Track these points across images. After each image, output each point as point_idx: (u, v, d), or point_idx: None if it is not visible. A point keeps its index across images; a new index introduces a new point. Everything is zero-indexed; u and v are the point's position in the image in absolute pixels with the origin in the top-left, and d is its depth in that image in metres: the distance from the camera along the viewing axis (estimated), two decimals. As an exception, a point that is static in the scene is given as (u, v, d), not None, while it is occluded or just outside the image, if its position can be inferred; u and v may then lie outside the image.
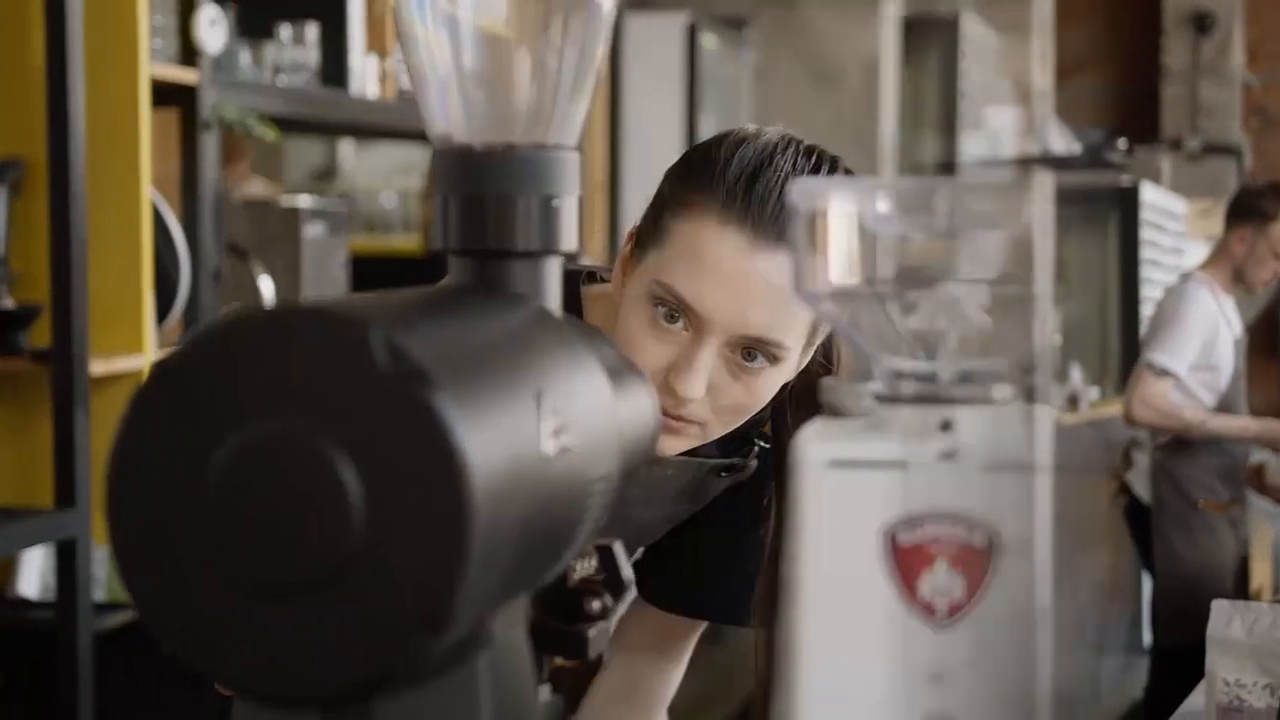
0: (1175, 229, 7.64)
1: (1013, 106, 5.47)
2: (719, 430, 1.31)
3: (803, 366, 1.35)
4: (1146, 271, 7.12)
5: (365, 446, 0.63)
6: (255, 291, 2.96)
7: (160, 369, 0.65)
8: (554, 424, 0.73)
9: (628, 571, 0.91)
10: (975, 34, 7.56)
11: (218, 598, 0.65)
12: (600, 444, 0.78)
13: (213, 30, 2.71)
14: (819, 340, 1.34)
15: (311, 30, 3.08)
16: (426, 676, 0.68)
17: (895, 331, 0.74)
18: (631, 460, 0.89)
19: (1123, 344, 7.22)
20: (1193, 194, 7.91)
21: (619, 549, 0.90)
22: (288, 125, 3.23)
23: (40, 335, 2.47)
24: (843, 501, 0.71)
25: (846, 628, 0.71)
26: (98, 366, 2.48)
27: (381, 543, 0.63)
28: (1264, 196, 4.32)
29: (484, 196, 0.82)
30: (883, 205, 0.74)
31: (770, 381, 1.29)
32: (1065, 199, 5.90)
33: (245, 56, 3.01)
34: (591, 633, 0.90)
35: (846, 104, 5.80)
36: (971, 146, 5.45)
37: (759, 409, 1.32)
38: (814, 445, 0.71)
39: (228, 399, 0.64)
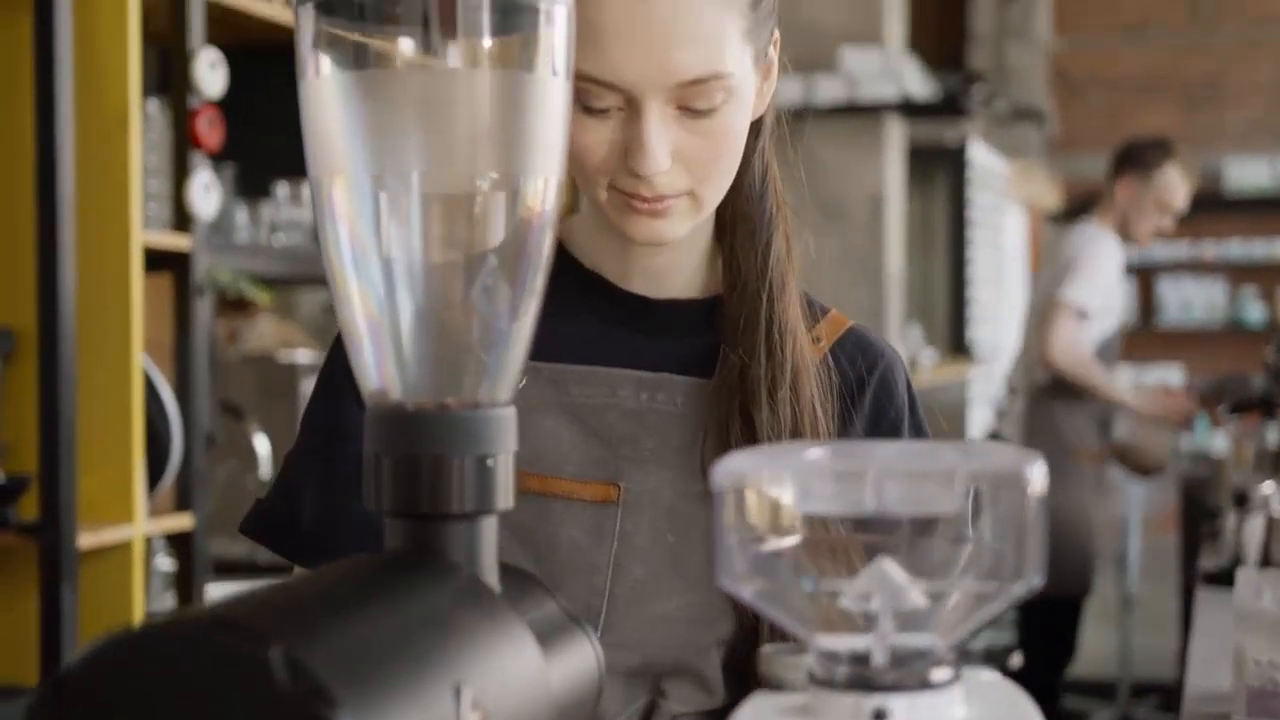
0: (998, 189, 7.79)
1: (869, 48, 5.46)
2: (713, 194, 1.18)
3: (769, 75, 1.23)
4: (970, 231, 7.21)
5: (265, 769, 0.61)
6: (250, 452, 2.95)
7: (53, 684, 0.62)
8: (476, 717, 0.71)
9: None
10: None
11: None
12: (530, 722, 0.76)
13: (207, 196, 2.72)
14: (766, 42, 1.20)
15: (309, 189, 3.09)
16: None
17: (827, 610, 0.72)
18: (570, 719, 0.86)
19: (951, 305, 7.27)
20: (998, 155, 8.06)
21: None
22: (285, 282, 3.24)
23: (28, 507, 2.45)
24: (773, 797, 0.68)
25: None
26: (87, 539, 2.46)
27: None
28: (1149, 148, 4.40)
29: (418, 457, 0.80)
30: (812, 484, 0.72)
31: (735, 117, 1.16)
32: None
33: (242, 215, 3.02)
34: None
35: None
36: (827, 89, 5.46)
37: (739, 150, 1.18)
38: (743, 736, 0.69)
39: None
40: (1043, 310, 4.29)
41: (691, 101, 1.12)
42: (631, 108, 1.12)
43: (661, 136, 1.12)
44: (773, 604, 0.73)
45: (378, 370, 0.83)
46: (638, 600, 1.20)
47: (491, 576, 0.82)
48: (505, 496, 0.82)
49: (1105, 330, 4.30)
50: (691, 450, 1.22)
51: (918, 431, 1.31)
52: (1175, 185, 4.30)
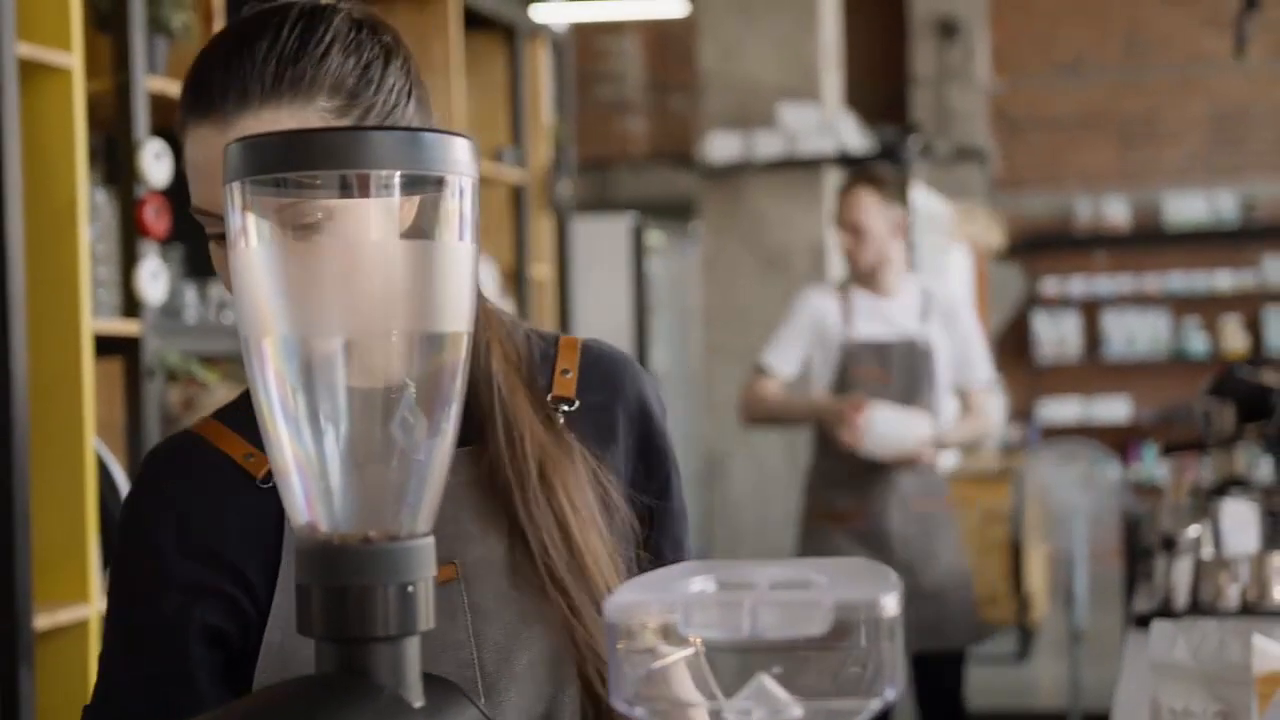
0: (942, 230, 7.91)
1: (806, 104, 5.51)
2: None
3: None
4: (915, 274, 7.30)
5: None
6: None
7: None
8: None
9: None
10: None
11: None
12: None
13: (155, 282, 2.80)
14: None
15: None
16: None
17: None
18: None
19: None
20: (941, 197, 8.19)
21: None
22: (236, 360, 3.31)
23: (-16, 592, 2.52)
24: None
25: None
26: (42, 620, 2.52)
27: None
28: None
29: (345, 588, 0.89)
30: (694, 613, 0.81)
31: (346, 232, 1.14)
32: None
33: (191, 295, 3.10)
34: None
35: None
36: (767, 145, 5.48)
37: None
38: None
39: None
40: None
41: (296, 221, 1.10)
42: None
43: None
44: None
45: (306, 506, 0.91)
46: (505, 659, 1.29)
47: (415, 692, 0.90)
48: (427, 618, 0.90)
49: (825, 389, 4.20)
50: (500, 512, 1.30)
51: (664, 438, 1.41)
52: (837, 209, 4.22)
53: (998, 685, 6.53)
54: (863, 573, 0.85)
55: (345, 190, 0.91)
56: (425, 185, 0.90)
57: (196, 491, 1.28)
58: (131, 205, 2.80)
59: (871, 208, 4.11)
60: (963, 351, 4.23)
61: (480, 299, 1.33)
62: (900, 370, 4.17)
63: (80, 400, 2.60)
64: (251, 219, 0.90)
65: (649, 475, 1.39)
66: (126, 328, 2.78)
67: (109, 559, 2.69)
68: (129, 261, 2.79)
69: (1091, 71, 10.38)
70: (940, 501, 4.25)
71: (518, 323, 1.38)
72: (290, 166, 0.89)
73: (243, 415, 1.30)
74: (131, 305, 2.80)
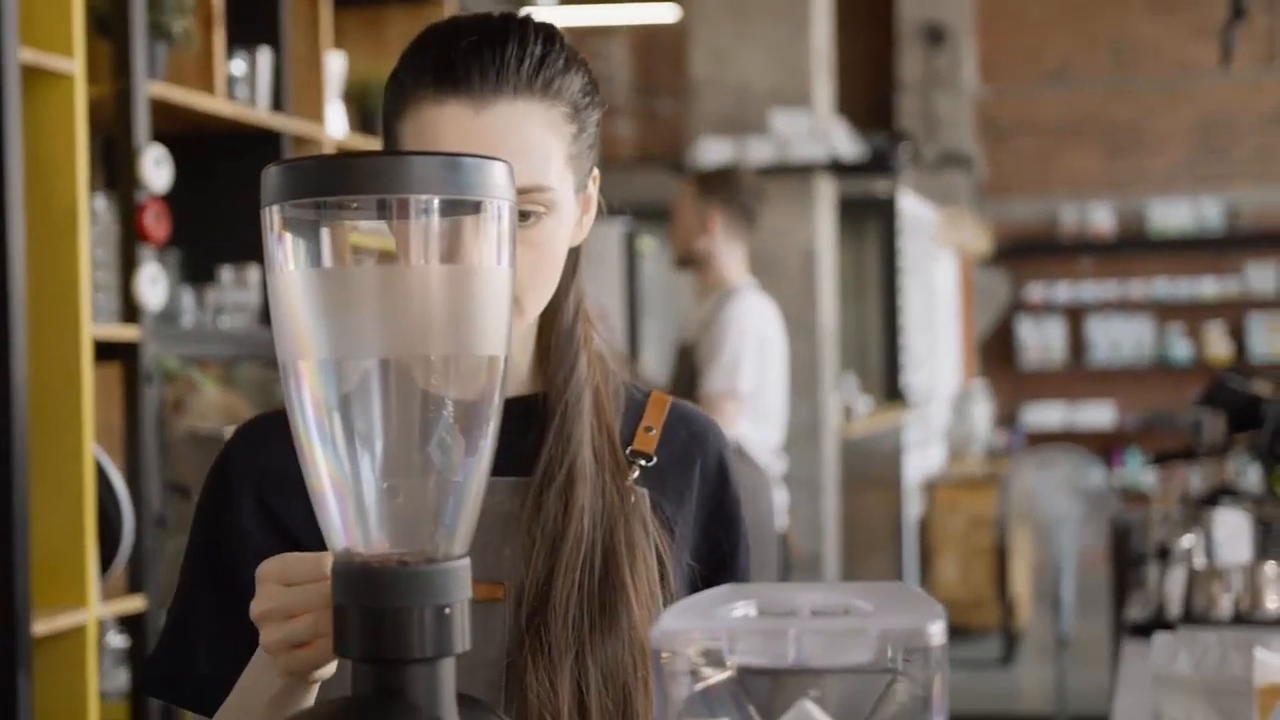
0: (929, 236, 7.96)
1: (798, 110, 5.56)
2: (534, 302, 1.26)
3: (589, 209, 1.32)
4: (901, 279, 7.37)
5: None
6: (199, 531, 2.99)
7: None
8: None
9: None
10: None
11: None
12: None
13: (154, 288, 2.79)
14: (586, 175, 1.30)
15: (253, 272, 3.17)
16: None
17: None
18: None
19: (884, 353, 7.41)
20: (928, 203, 8.24)
21: None
22: (231, 362, 3.31)
23: (-18, 596, 2.51)
24: None
25: None
26: (41, 626, 2.51)
27: None
28: None
29: (381, 610, 0.89)
30: (739, 640, 0.81)
31: (555, 231, 1.25)
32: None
33: (189, 299, 3.09)
34: None
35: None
36: (758, 151, 5.54)
37: (559, 264, 1.27)
38: None
39: None
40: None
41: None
42: None
43: None
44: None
45: (344, 530, 0.92)
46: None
47: (450, 713, 0.90)
48: (462, 639, 0.91)
49: None
50: (546, 545, 1.28)
51: (738, 507, 1.41)
52: None
53: (982, 690, 6.54)
54: (906, 599, 0.85)
55: (384, 214, 0.91)
56: (463, 209, 0.91)
57: (276, 467, 1.26)
58: (131, 211, 2.79)
59: (686, 198, 4.24)
60: (706, 356, 4.13)
61: (590, 342, 1.34)
62: (675, 370, 4.27)
63: (80, 405, 2.60)
64: (289, 241, 0.90)
65: (718, 540, 1.37)
66: (125, 333, 2.78)
67: (107, 563, 2.68)
68: (128, 267, 2.79)
69: (1078, 79, 10.41)
70: None
71: (616, 372, 1.37)
72: (330, 190, 0.89)
73: None
74: (130, 310, 2.79)
